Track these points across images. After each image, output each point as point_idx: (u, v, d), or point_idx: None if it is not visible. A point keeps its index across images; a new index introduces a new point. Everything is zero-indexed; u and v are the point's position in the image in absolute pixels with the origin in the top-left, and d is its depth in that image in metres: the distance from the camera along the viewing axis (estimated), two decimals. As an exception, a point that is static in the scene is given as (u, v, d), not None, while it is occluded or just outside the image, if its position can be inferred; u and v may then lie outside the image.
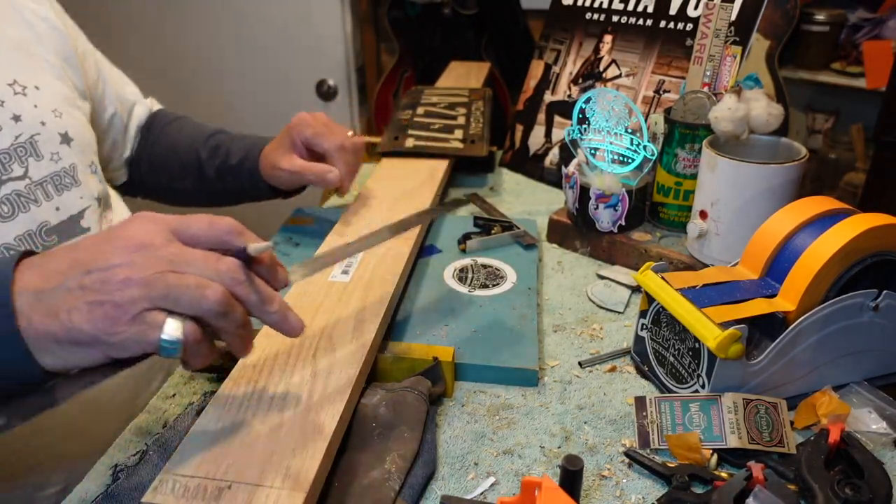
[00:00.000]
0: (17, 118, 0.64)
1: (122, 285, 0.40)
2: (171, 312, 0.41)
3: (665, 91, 0.96)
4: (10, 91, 0.64)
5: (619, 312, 0.74)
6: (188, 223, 0.44)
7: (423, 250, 0.83)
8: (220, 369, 0.64)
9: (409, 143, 1.03)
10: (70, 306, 0.40)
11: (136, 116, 0.90)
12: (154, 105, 0.95)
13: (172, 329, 0.40)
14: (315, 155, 0.82)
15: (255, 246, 0.44)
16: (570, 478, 0.45)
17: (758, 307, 0.56)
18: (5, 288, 0.41)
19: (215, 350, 0.44)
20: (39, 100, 0.67)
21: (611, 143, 0.80)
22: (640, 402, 0.57)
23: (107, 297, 0.39)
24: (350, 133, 0.83)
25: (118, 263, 0.40)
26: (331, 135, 0.79)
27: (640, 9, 1.00)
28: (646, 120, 0.80)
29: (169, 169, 0.89)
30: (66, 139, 0.68)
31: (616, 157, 0.80)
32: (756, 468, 0.48)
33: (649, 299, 0.62)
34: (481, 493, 0.51)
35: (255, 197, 0.89)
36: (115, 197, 0.80)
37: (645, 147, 0.76)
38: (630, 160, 0.79)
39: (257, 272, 0.45)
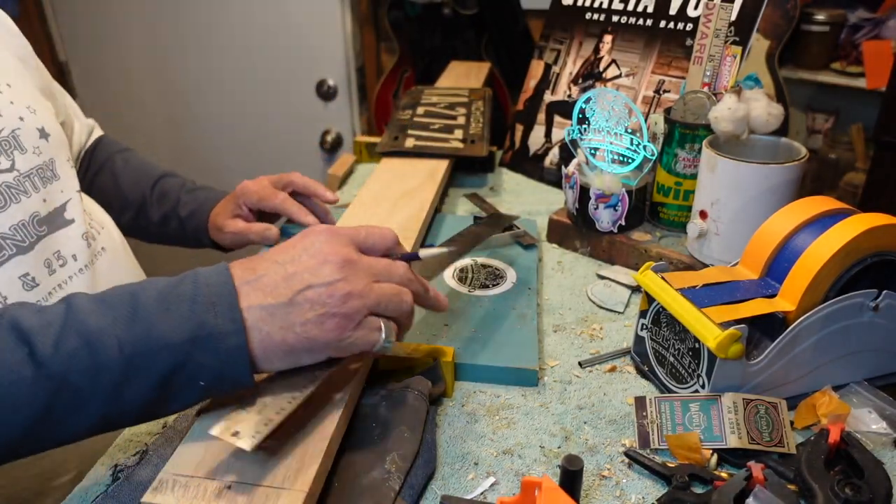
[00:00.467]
0: None
1: (345, 298, 0.46)
2: (379, 315, 0.48)
3: (665, 91, 0.96)
4: None
5: (619, 312, 0.74)
6: (365, 236, 0.51)
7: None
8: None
9: (409, 143, 1.03)
10: (304, 319, 0.45)
11: (77, 134, 0.89)
12: (96, 130, 0.96)
13: (388, 331, 0.48)
14: (266, 215, 0.88)
15: (427, 252, 0.56)
16: (570, 478, 0.45)
17: (758, 307, 0.56)
18: (235, 306, 0.45)
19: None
20: (13, 96, 0.68)
21: (611, 143, 0.80)
22: (640, 402, 0.57)
23: (335, 309, 0.46)
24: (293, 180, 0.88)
25: (336, 279, 0.46)
26: (273, 195, 0.85)
27: (640, 9, 1.00)
28: (646, 120, 0.80)
29: (107, 200, 0.88)
30: (43, 134, 0.69)
31: (616, 157, 0.80)
32: (756, 468, 0.48)
33: (649, 299, 0.62)
34: (481, 493, 0.51)
35: (194, 246, 0.93)
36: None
37: (645, 147, 0.76)
38: (630, 160, 0.79)
39: None
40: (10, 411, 0.41)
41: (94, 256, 0.72)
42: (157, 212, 0.91)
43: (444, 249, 0.59)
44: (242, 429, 0.43)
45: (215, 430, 0.43)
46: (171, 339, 0.43)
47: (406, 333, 0.53)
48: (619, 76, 1.02)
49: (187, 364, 0.44)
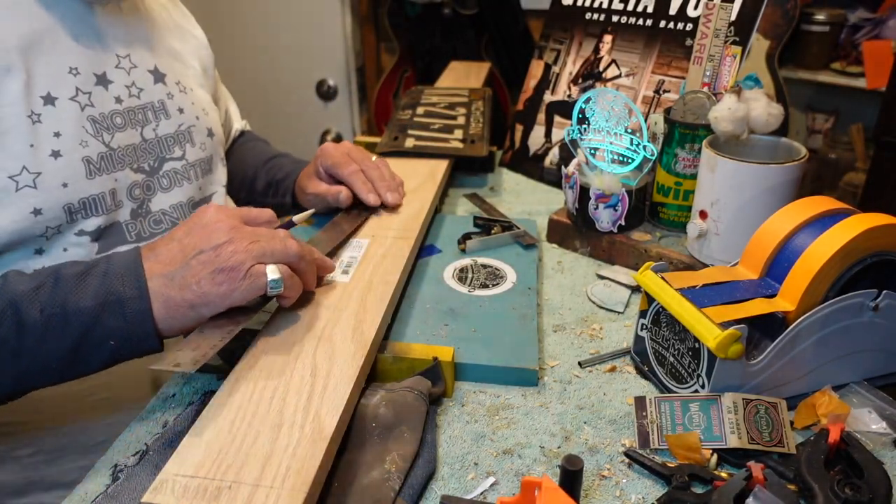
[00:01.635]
0: (181, 110, 0.80)
1: (231, 254, 0.54)
2: (266, 265, 0.56)
3: (665, 91, 0.96)
4: (177, 88, 0.81)
5: (619, 312, 0.74)
6: (247, 212, 0.60)
7: (423, 250, 0.83)
8: (220, 369, 0.64)
9: (409, 143, 1.04)
10: (198, 278, 0.53)
11: (231, 133, 1.04)
12: (246, 126, 1.10)
13: (272, 272, 0.55)
14: (338, 181, 0.88)
15: (299, 216, 0.70)
16: (570, 478, 0.45)
17: (758, 307, 0.56)
18: (140, 276, 0.54)
19: (301, 284, 0.60)
20: (195, 98, 0.83)
21: (611, 143, 0.80)
22: (640, 402, 0.57)
23: (223, 264, 0.53)
24: (374, 157, 0.90)
25: (222, 241, 0.54)
26: (348, 163, 0.85)
27: (639, 9, 1.00)
28: (646, 120, 0.80)
29: (231, 180, 0.96)
30: (210, 133, 0.85)
31: (616, 157, 0.80)
32: (756, 468, 0.48)
33: (649, 299, 0.62)
34: (481, 493, 0.51)
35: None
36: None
37: (645, 147, 0.76)
38: (630, 160, 0.79)
39: None
40: None
41: None
42: (262, 182, 0.97)
43: (311, 211, 0.73)
44: (182, 361, 0.51)
45: (157, 365, 0.50)
46: (84, 303, 0.52)
47: (315, 280, 0.63)
48: (619, 76, 1.02)
49: (97, 326, 0.53)
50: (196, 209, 0.76)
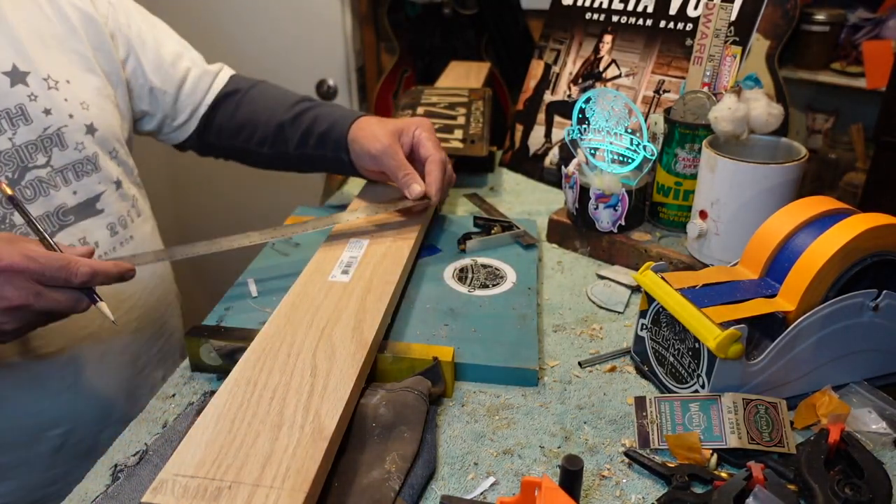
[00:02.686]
0: (47, 111, 0.71)
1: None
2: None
3: (665, 91, 0.96)
4: (44, 85, 0.71)
5: (619, 312, 0.74)
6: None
7: (423, 250, 0.83)
8: (220, 369, 0.64)
9: (409, 143, 1.03)
10: None
11: (192, 84, 0.90)
12: (224, 71, 0.95)
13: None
14: (411, 159, 0.82)
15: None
16: (570, 478, 0.45)
17: (758, 307, 0.56)
18: None
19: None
20: (70, 93, 0.73)
21: (611, 143, 0.80)
22: (640, 402, 0.57)
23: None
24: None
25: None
26: (439, 150, 0.81)
27: (639, 9, 1.00)
28: (646, 120, 0.80)
29: (246, 135, 0.90)
30: (90, 130, 0.75)
31: (616, 157, 0.80)
32: (756, 468, 0.48)
33: (649, 299, 0.62)
34: (481, 493, 0.51)
35: (335, 169, 0.90)
36: (131, 174, 0.86)
37: (645, 147, 0.76)
38: (630, 160, 0.79)
39: None
40: None
41: (119, 244, 0.79)
42: (294, 135, 0.88)
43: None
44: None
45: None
46: None
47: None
48: (619, 76, 1.02)
49: None
50: (75, 215, 0.73)
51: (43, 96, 0.71)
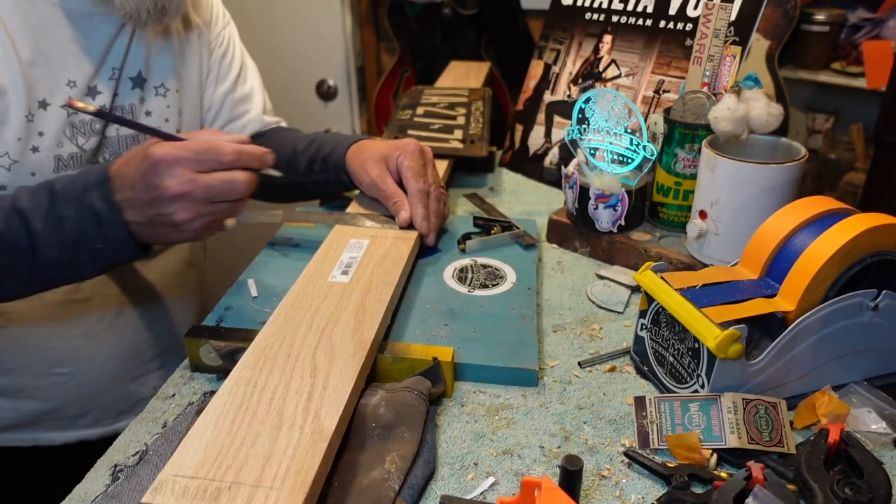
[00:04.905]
0: (148, 113, 0.83)
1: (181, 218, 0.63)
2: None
3: (665, 91, 0.96)
4: (153, 93, 0.83)
5: (619, 312, 0.74)
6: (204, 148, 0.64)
7: (423, 250, 0.83)
8: (220, 369, 0.64)
9: (409, 143, 1.03)
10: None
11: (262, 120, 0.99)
12: (270, 119, 1.00)
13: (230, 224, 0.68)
14: (400, 185, 0.83)
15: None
16: (570, 478, 0.45)
17: (757, 307, 0.56)
18: (111, 192, 0.62)
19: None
20: (170, 102, 0.85)
21: (610, 143, 0.80)
22: (640, 402, 0.57)
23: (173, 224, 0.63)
24: (441, 185, 0.85)
25: (172, 211, 0.62)
26: (421, 178, 0.80)
27: (639, 9, 1.00)
28: (645, 120, 0.80)
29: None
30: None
31: (616, 157, 0.80)
32: (756, 468, 0.48)
33: (649, 299, 0.62)
34: (481, 493, 0.51)
35: (338, 188, 0.92)
36: None
37: (644, 147, 0.76)
38: (630, 160, 0.79)
39: None
40: None
41: None
42: (304, 159, 0.92)
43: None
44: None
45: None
46: (68, 213, 0.62)
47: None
48: (619, 76, 1.02)
49: (84, 233, 0.62)
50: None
51: (151, 101, 0.83)
